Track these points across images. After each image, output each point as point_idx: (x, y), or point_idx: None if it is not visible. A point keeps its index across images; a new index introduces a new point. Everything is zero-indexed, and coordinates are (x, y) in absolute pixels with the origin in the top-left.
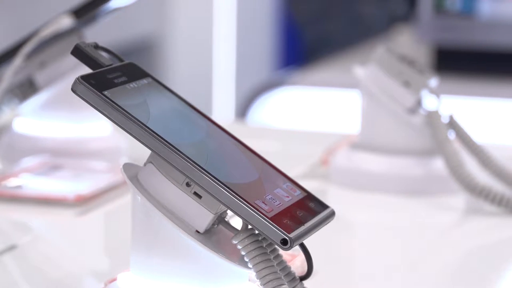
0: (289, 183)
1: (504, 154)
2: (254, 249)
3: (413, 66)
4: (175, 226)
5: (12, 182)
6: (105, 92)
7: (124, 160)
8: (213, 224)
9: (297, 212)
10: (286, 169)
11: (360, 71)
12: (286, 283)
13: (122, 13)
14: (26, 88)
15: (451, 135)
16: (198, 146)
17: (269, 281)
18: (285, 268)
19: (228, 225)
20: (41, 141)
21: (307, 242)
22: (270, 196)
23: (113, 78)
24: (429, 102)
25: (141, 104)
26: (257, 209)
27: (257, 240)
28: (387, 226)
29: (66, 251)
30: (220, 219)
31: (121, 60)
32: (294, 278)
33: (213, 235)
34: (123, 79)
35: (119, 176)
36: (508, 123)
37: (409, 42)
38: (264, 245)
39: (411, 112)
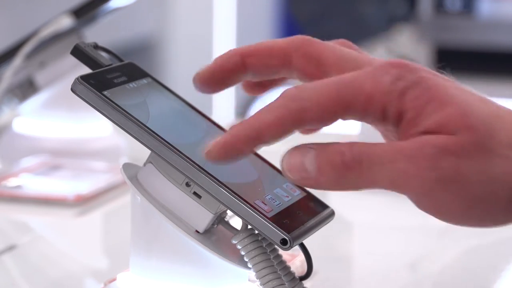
0: (289, 183)
1: None
2: (254, 249)
3: None
4: (174, 226)
5: (12, 182)
6: (105, 92)
7: (124, 160)
8: (212, 224)
9: (297, 212)
10: None
11: None
12: (286, 283)
13: (122, 13)
14: (26, 88)
15: None
16: (198, 146)
17: (269, 281)
18: (285, 268)
19: (227, 225)
20: (41, 141)
21: (307, 242)
22: (269, 196)
23: (112, 78)
24: None
25: (141, 104)
26: (256, 209)
27: (257, 240)
28: (387, 226)
29: (66, 251)
30: (220, 219)
31: (120, 60)
32: (294, 278)
33: (213, 235)
34: (122, 79)
35: (118, 176)
36: None
37: (409, 42)
38: (264, 245)
39: None
